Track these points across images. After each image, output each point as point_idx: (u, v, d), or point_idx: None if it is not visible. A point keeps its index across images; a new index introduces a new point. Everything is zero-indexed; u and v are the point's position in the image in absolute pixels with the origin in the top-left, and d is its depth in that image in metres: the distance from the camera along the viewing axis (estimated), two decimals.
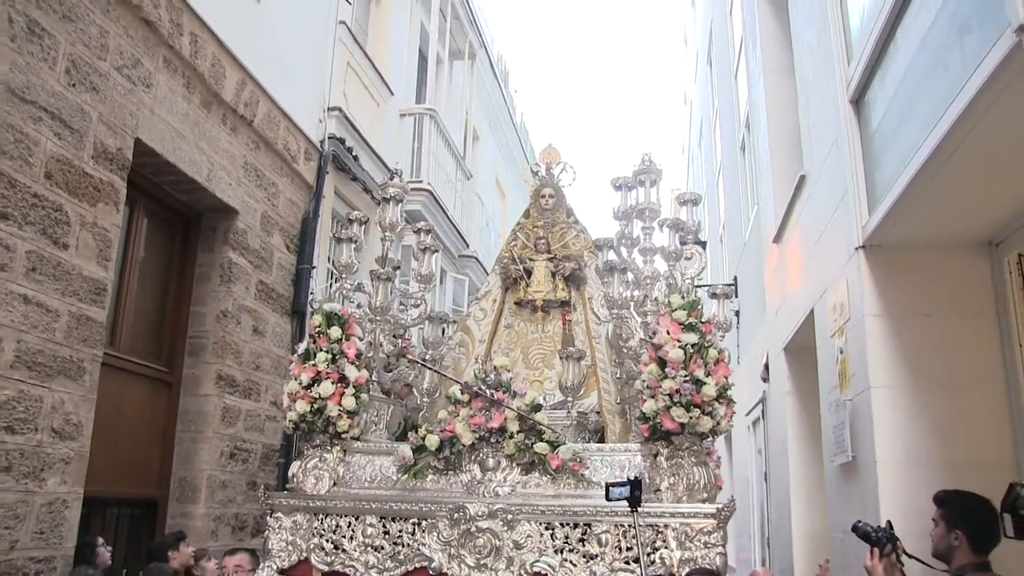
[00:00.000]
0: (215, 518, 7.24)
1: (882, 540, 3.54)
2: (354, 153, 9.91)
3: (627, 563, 4.28)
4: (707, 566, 4.16)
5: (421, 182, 12.02)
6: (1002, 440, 4.55)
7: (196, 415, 7.29)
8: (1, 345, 4.98)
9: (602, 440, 5.26)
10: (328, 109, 9.72)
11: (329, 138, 9.57)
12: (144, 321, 7.05)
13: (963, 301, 4.78)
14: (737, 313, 12.64)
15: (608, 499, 3.89)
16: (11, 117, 5.13)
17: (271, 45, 8.41)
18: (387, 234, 5.76)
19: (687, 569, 4.17)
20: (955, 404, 4.65)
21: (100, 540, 5.82)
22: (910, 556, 3.59)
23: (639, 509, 3.84)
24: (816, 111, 6.19)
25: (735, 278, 12.96)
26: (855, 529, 3.72)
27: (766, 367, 9.21)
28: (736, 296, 12.59)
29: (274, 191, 8.43)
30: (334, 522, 4.82)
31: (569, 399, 5.25)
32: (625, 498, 3.81)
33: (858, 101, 5.13)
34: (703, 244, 13.84)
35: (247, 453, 7.69)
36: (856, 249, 5.06)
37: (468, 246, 14.19)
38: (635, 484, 3.81)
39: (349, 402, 4.95)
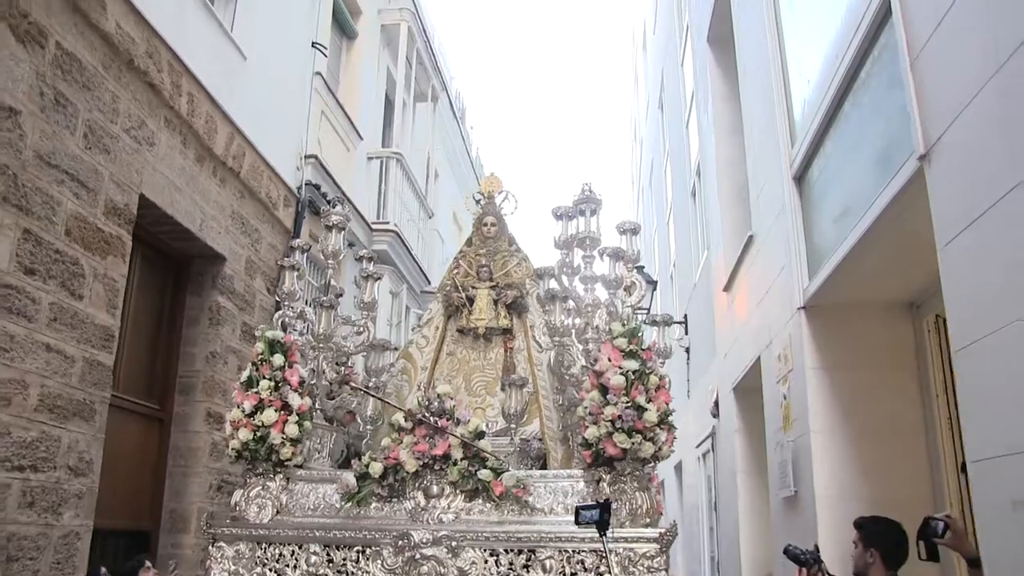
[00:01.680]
0: (204, 548, 7.66)
1: (809, 561, 4.18)
2: (328, 198, 10.44)
3: None
4: None
5: (387, 223, 12.58)
6: (920, 480, 5.25)
7: (186, 450, 7.75)
8: (27, 391, 5.45)
9: (544, 466, 5.23)
10: (305, 157, 10.27)
11: (306, 184, 10.11)
12: (139, 362, 7.50)
13: (889, 356, 5.49)
14: (687, 350, 13.36)
15: (577, 523, 3.84)
16: (39, 181, 5.63)
17: (256, 99, 8.94)
18: (330, 262, 5.75)
19: None
20: (882, 447, 5.34)
21: (103, 570, 6.24)
22: (826, 573, 4.23)
23: (607, 534, 3.80)
24: (763, 180, 6.92)
25: (685, 316, 13.65)
26: (786, 552, 4.36)
27: (716, 404, 9.90)
28: (687, 334, 13.32)
29: (257, 237, 8.94)
30: (277, 551, 4.72)
31: (512, 426, 5.22)
32: (594, 522, 3.78)
33: (800, 178, 5.85)
34: (654, 283, 14.60)
35: (233, 486, 8.13)
36: (798, 309, 5.76)
37: (430, 282, 14.74)
38: (604, 506, 3.79)
39: (292, 430, 4.87)
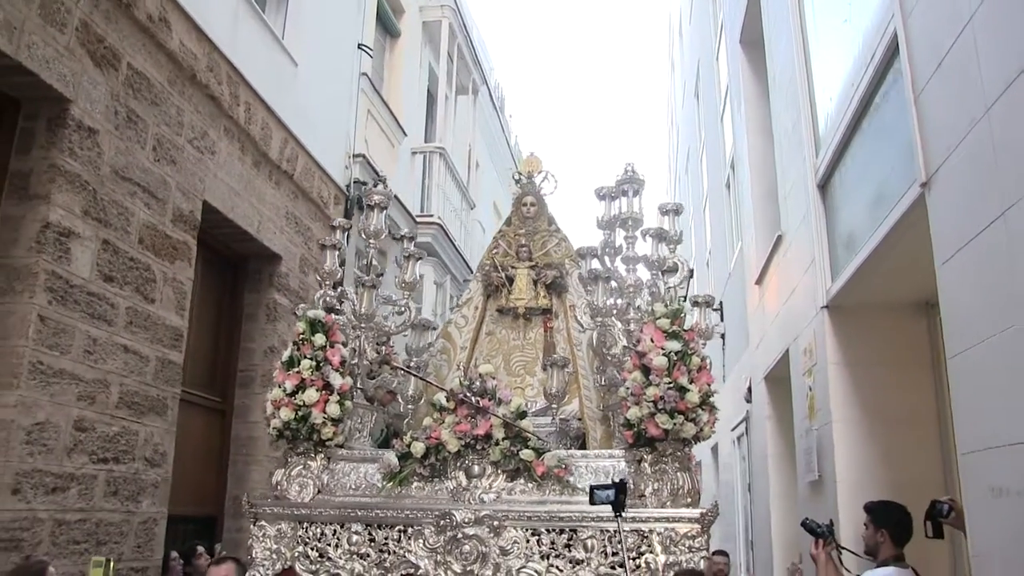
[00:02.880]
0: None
1: (824, 534, 4.52)
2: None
3: (613, 568, 4.31)
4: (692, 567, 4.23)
5: (432, 216, 13.02)
6: (932, 466, 5.61)
7: (247, 440, 8.27)
8: (109, 390, 5.97)
9: (583, 446, 5.25)
10: (352, 156, 10.73)
11: (354, 183, 10.58)
12: (202, 358, 8.02)
13: (906, 352, 5.84)
14: (723, 336, 13.67)
15: (592, 503, 3.85)
16: (115, 194, 6.13)
17: (306, 103, 9.41)
18: (371, 241, 5.73)
19: (672, 572, 4.25)
20: (898, 436, 5.70)
21: (175, 554, 6.76)
22: (843, 548, 4.60)
23: (623, 514, 3.83)
24: (791, 183, 7.25)
25: (721, 303, 13.94)
26: (803, 524, 4.68)
27: (749, 391, 10.25)
28: (722, 320, 13.63)
29: (309, 235, 9.42)
30: (319, 530, 4.74)
31: (553, 406, 5.24)
32: (609, 502, 3.76)
33: (823, 186, 6.19)
34: (690, 271, 14.88)
35: None
36: (821, 308, 6.12)
37: (472, 273, 15.15)
38: (620, 487, 3.75)
39: (333, 409, 4.86)
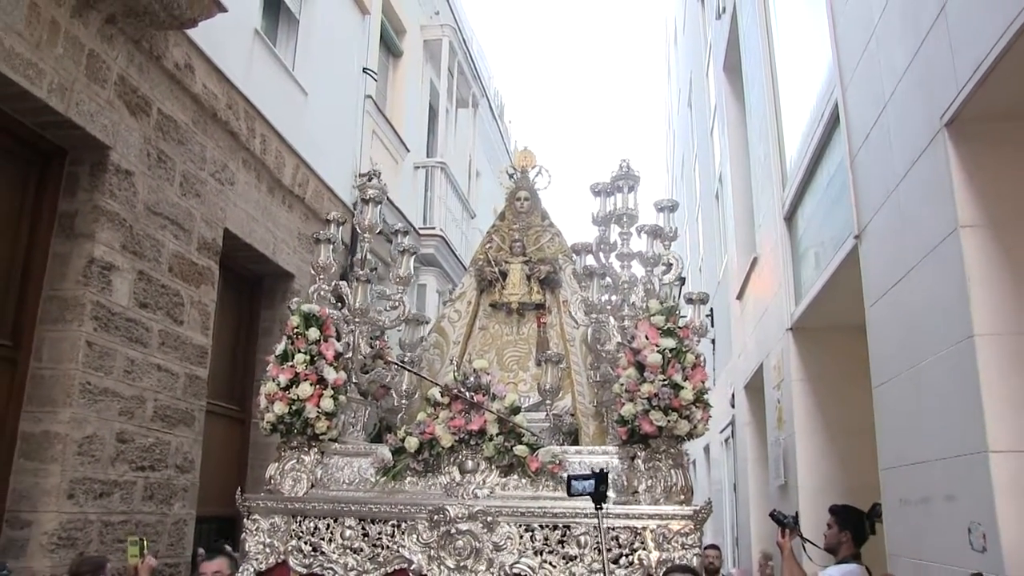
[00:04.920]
0: None
1: (789, 524, 5.05)
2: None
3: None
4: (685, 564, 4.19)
5: (433, 228, 13.67)
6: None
7: (264, 446, 8.91)
8: (145, 405, 6.64)
9: (576, 442, 5.23)
10: (358, 176, 11.37)
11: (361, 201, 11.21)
12: (223, 370, 8.68)
13: (859, 370, 6.48)
14: (713, 341, 14.32)
15: (569, 494, 3.78)
16: (148, 228, 6.78)
17: (315, 129, 10.05)
18: (365, 235, 5.74)
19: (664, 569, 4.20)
20: (852, 446, 6.37)
21: (201, 551, 7.40)
22: (804, 539, 5.15)
23: (602, 506, 3.75)
24: (763, 212, 7.93)
25: (712, 309, 14.58)
26: (771, 516, 5.20)
27: (732, 397, 10.93)
28: (712, 326, 14.27)
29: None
30: (312, 524, 4.75)
31: (548, 402, 5.23)
32: (588, 493, 3.66)
33: (789, 219, 6.85)
34: (682, 280, 15.51)
35: None
36: (786, 330, 6.78)
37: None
38: (600, 477, 3.64)
39: (328, 404, 4.84)
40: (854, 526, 4.99)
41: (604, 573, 3.89)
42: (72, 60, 5.93)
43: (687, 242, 19.51)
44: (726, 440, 13.00)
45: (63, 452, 5.72)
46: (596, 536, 4.26)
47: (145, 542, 5.30)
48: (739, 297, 9.76)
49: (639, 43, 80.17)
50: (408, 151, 13.42)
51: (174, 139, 7.20)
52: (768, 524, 9.07)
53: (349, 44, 11.51)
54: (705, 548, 6.62)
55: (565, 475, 4.34)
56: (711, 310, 14.36)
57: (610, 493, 4.09)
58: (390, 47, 13.75)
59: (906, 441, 3.98)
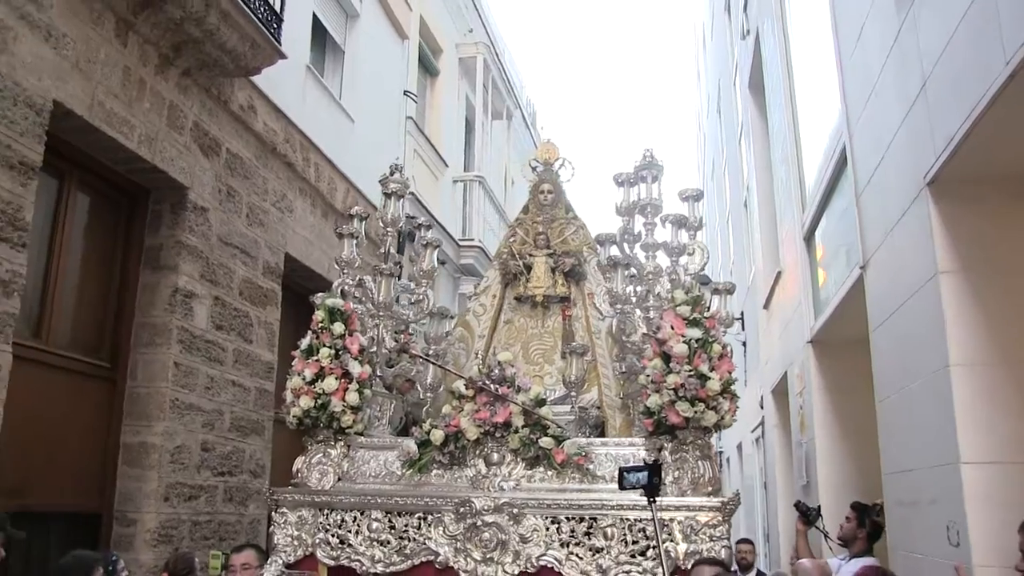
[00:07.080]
0: None
1: (811, 515, 5.53)
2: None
3: (633, 556, 4.24)
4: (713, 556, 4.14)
5: (472, 240, 14.31)
6: None
7: None
8: (223, 417, 7.36)
9: (602, 434, 5.20)
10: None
11: (405, 218, 11.87)
12: (286, 382, 9.36)
13: (870, 382, 7.05)
14: (744, 344, 14.83)
15: (621, 486, 3.69)
16: (221, 257, 7.49)
17: (362, 153, 10.70)
18: (388, 229, 5.79)
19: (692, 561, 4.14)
20: (865, 449, 6.91)
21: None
22: (821, 529, 5.63)
23: (656, 499, 3.70)
24: (785, 229, 8.48)
25: (742, 312, 15.06)
26: (795, 505, 5.68)
27: (762, 399, 11.48)
28: (743, 329, 14.77)
29: (368, 271, 10.73)
30: (339, 517, 4.74)
31: (572, 394, 5.20)
32: (642, 486, 3.58)
33: (808, 239, 7.42)
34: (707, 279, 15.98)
35: None
36: (807, 342, 7.35)
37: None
38: (654, 469, 3.57)
39: (353, 397, 4.86)
40: (873, 524, 5.55)
41: (662, 567, 3.83)
42: (156, 113, 6.65)
43: (718, 246, 19.93)
44: (757, 439, 13.53)
45: (159, 460, 6.46)
46: (623, 528, 4.30)
47: (226, 557, 5.50)
48: (766, 307, 10.32)
49: (670, 41, 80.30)
50: (447, 166, 14.05)
51: (240, 175, 7.90)
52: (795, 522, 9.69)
53: (390, 69, 12.16)
54: (737, 543, 6.98)
55: (590, 467, 4.49)
56: (741, 313, 14.90)
57: None
58: (427, 67, 14.38)
59: (901, 451, 4.58)
